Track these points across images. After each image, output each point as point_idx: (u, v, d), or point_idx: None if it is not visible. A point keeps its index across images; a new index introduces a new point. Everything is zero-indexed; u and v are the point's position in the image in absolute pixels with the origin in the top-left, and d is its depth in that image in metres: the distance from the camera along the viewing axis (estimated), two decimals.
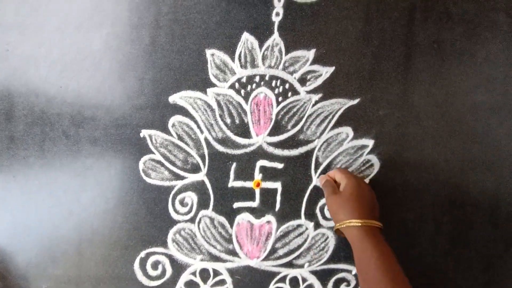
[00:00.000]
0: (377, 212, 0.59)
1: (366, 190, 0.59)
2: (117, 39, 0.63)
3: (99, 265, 0.67)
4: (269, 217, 0.66)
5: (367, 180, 0.65)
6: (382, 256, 0.52)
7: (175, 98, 0.63)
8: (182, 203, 0.65)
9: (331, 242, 0.67)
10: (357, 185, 0.58)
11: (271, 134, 0.65)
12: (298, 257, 0.67)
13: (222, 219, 0.66)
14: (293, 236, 0.67)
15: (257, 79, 0.63)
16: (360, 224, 0.54)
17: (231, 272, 0.67)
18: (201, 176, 0.65)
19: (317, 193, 0.66)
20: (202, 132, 0.64)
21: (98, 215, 0.66)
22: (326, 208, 0.66)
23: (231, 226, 0.66)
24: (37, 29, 0.63)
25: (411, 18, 0.64)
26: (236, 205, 0.66)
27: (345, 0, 0.63)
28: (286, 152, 0.65)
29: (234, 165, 0.65)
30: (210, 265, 0.67)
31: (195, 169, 0.65)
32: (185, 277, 0.67)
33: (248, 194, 0.66)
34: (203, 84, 0.63)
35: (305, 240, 0.67)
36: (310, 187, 0.65)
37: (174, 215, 0.66)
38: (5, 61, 0.63)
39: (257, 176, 0.65)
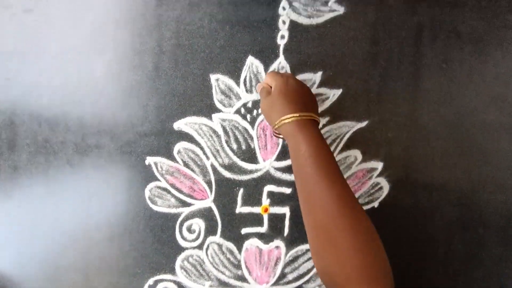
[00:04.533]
0: (312, 105, 0.55)
1: (294, 85, 0.54)
2: (120, 65, 0.62)
3: None
4: (278, 242, 0.65)
5: (376, 204, 0.65)
6: (316, 151, 0.48)
7: (180, 125, 0.62)
8: (190, 229, 0.65)
9: None
10: (284, 82, 0.54)
11: (278, 159, 0.64)
12: (307, 281, 0.66)
13: (231, 245, 0.65)
14: (302, 261, 0.66)
15: None
16: (291, 119, 0.50)
17: None
18: (208, 202, 0.64)
19: None
20: (208, 158, 0.63)
21: (105, 243, 0.65)
22: None
23: (240, 252, 0.65)
24: (37, 57, 0.62)
25: (419, 38, 0.62)
26: (244, 230, 0.65)
27: (351, 21, 0.62)
28: (294, 177, 0.64)
29: (241, 191, 0.64)
30: None
31: (202, 195, 0.64)
32: None
33: (256, 219, 0.65)
34: (208, 109, 0.62)
35: None
36: None
37: (182, 242, 0.65)
38: (6, 90, 0.62)
39: (265, 201, 0.64)
